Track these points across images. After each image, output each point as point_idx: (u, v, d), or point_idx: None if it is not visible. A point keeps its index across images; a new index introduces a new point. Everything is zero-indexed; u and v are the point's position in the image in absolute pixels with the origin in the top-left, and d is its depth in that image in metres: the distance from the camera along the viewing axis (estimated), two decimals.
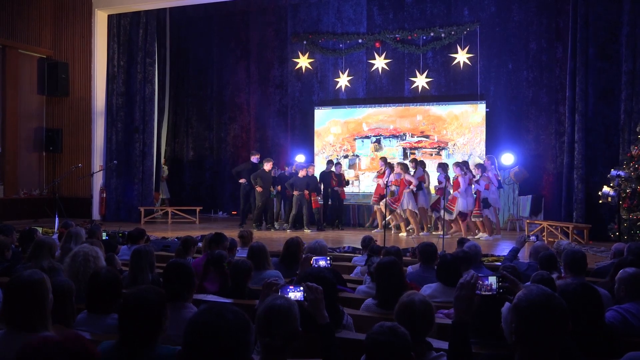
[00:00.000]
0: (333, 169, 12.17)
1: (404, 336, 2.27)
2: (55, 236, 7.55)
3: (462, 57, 12.74)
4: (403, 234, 10.94)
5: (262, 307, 2.28)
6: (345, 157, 13.69)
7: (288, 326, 2.23)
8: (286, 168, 12.52)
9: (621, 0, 10.28)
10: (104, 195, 13.72)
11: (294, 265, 5.01)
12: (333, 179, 12.06)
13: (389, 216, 10.95)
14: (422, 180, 11.09)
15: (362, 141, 13.64)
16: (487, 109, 12.54)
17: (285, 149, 14.34)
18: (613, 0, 10.43)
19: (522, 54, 12.41)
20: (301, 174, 11.59)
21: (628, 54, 10.12)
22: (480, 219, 10.44)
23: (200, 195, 15.33)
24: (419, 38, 13.10)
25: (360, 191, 13.29)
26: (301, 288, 2.79)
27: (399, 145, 13.28)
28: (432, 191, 11.30)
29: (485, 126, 12.54)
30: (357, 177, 13.53)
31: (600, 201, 9.68)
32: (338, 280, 4.40)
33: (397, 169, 10.91)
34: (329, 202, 12.26)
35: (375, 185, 11.70)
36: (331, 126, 13.87)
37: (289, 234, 10.82)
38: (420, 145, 13.14)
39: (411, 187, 10.71)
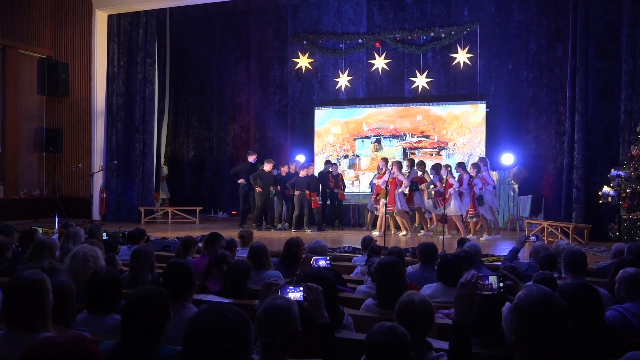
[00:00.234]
0: (330, 169, 12.19)
1: (404, 336, 2.27)
2: (56, 236, 7.56)
3: (462, 57, 12.74)
4: (403, 233, 10.94)
5: (262, 307, 2.28)
6: (346, 157, 13.69)
7: (288, 326, 2.23)
8: (282, 168, 12.28)
9: (621, 0, 10.28)
10: (104, 196, 13.72)
11: (294, 266, 5.01)
12: (330, 180, 12.07)
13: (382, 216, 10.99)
14: (417, 180, 11.10)
15: (362, 141, 13.64)
16: (487, 109, 12.54)
17: (285, 149, 14.35)
18: (613, 0, 10.42)
19: (522, 54, 12.41)
20: (302, 174, 11.60)
21: (628, 54, 10.12)
22: (475, 219, 10.45)
23: (200, 195, 15.34)
24: (419, 38, 13.10)
25: (360, 191, 13.29)
26: (301, 288, 2.79)
27: (399, 145, 13.28)
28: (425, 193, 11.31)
29: (485, 126, 12.54)
30: (357, 177, 13.53)
31: (600, 201, 9.67)
32: (338, 280, 4.40)
33: (391, 167, 10.89)
34: (328, 203, 12.28)
35: (375, 187, 11.66)
36: (331, 126, 13.87)
37: (292, 233, 10.81)
38: (420, 145, 13.14)
39: (402, 187, 10.70)
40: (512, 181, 11.95)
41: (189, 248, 5.77)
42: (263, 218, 12.01)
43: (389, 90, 13.66)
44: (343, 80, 13.80)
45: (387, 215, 10.39)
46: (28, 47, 13.62)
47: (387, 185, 10.48)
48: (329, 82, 14.07)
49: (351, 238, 10.30)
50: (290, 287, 2.86)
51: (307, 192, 11.47)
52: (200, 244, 6.43)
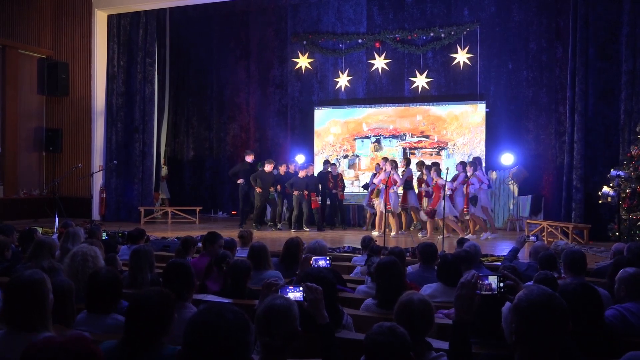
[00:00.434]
0: (330, 169, 12.19)
1: (403, 336, 2.27)
2: (55, 236, 7.56)
3: (462, 57, 12.74)
4: (392, 233, 10.94)
5: (262, 307, 2.28)
6: (345, 157, 13.69)
7: (287, 326, 2.23)
8: (281, 168, 12.20)
9: (621, 0, 10.27)
10: (104, 195, 13.72)
11: (294, 266, 5.01)
12: (330, 181, 12.08)
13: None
14: (410, 179, 11.11)
15: (362, 141, 13.64)
16: (487, 109, 12.54)
17: (285, 149, 14.34)
18: (613, 0, 10.42)
19: (522, 54, 12.41)
20: (301, 174, 11.60)
21: (628, 54, 10.12)
22: (468, 216, 10.48)
23: (200, 195, 15.34)
24: (418, 38, 13.10)
25: (360, 191, 13.27)
26: (301, 288, 2.79)
27: (399, 145, 13.28)
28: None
29: (485, 126, 12.54)
30: (357, 177, 13.53)
31: (600, 201, 9.67)
32: (338, 280, 4.40)
33: (386, 166, 10.89)
34: (327, 203, 12.28)
35: (374, 187, 11.66)
36: (331, 126, 13.87)
37: (292, 233, 10.81)
38: (420, 145, 13.13)
39: (395, 186, 10.71)
40: (512, 181, 11.95)
41: (188, 248, 5.77)
42: (263, 218, 12.02)
43: (389, 90, 13.66)
44: (343, 80, 13.80)
45: (386, 214, 10.40)
46: (28, 47, 13.61)
47: (385, 185, 10.49)
48: (329, 82, 14.07)
49: (351, 238, 10.30)
50: (290, 287, 2.86)
51: (306, 192, 11.48)
52: (200, 244, 6.43)
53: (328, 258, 4.23)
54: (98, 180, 13.72)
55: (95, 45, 13.66)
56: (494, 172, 12.18)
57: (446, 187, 10.00)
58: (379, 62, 13.50)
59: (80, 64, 13.82)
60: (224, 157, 15.28)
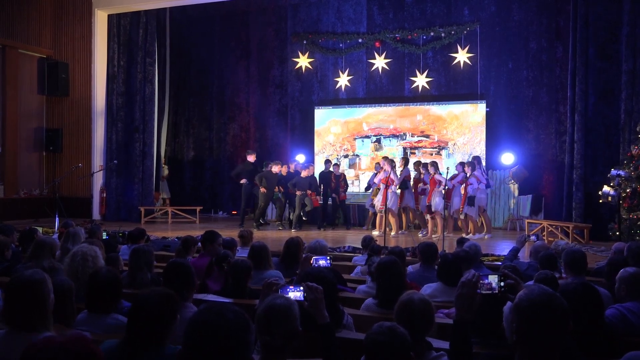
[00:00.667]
0: (332, 169, 12.20)
1: (403, 336, 2.27)
2: (56, 236, 7.56)
3: (462, 56, 12.73)
4: (392, 233, 10.94)
5: (262, 307, 2.29)
6: (346, 156, 13.69)
7: (288, 325, 2.23)
8: (283, 168, 12.20)
9: (621, 0, 10.27)
10: (104, 195, 13.72)
11: (294, 265, 5.01)
12: (332, 181, 12.09)
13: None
14: (408, 179, 11.11)
15: (362, 141, 13.63)
16: (487, 109, 12.53)
17: (285, 148, 14.34)
18: (613, 0, 10.41)
19: (522, 54, 12.41)
20: (304, 174, 11.58)
21: (628, 54, 10.11)
22: (462, 216, 10.48)
23: (200, 195, 15.34)
24: (419, 38, 13.09)
25: (360, 191, 13.27)
26: (301, 288, 2.79)
27: (399, 145, 13.27)
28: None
29: (485, 126, 12.53)
30: (357, 177, 13.53)
31: (601, 201, 9.67)
32: (338, 280, 4.40)
33: (385, 165, 10.88)
34: (329, 202, 12.28)
35: (375, 186, 11.67)
36: (331, 126, 13.87)
37: (292, 233, 10.80)
38: (420, 145, 13.13)
39: (393, 186, 10.70)
40: (512, 180, 11.95)
41: (189, 248, 5.77)
42: (264, 219, 12.01)
43: (389, 90, 13.66)
44: (343, 80, 13.80)
45: (386, 214, 10.40)
46: (28, 47, 13.62)
47: (385, 185, 10.50)
48: (329, 82, 14.07)
49: (352, 238, 10.29)
50: (291, 287, 2.86)
51: (309, 192, 11.48)
52: (200, 244, 6.43)
53: (328, 258, 4.23)
54: (98, 180, 13.72)
55: (96, 45, 13.66)
56: (495, 172, 12.17)
57: (443, 183, 9.99)
58: (379, 62, 13.50)
59: (81, 64, 13.82)
60: (224, 157, 15.28)
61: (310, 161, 13.35)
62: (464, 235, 10.11)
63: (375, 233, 10.62)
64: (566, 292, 2.73)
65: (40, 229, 7.73)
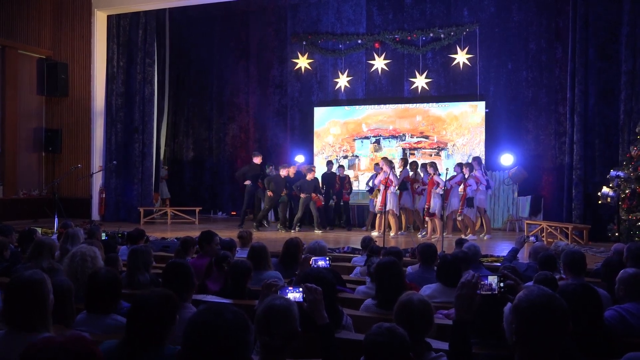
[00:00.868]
0: (335, 170, 12.19)
1: (403, 337, 2.27)
2: (55, 236, 7.55)
3: (461, 57, 12.74)
4: (392, 234, 10.93)
5: (262, 307, 2.29)
6: (345, 157, 13.68)
7: (287, 326, 2.23)
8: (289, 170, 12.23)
9: (621, 0, 10.26)
10: (104, 196, 13.72)
11: (294, 266, 5.01)
12: (337, 182, 12.09)
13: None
14: (407, 180, 11.12)
15: (362, 142, 13.64)
16: (487, 110, 12.54)
17: (285, 149, 14.34)
18: (613, 0, 10.41)
19: (522, 54, 12.42)
20: (309, 177, 11.53)
21: (628, 54, 10.11)
22: (460, 217, 10.48)
23: (199, 195, 15.33)
24: (418, 39, 13.10)
25: (360, 190, 13.25)
26: (300, 289, 2.79)
27: (399, 145, 13.28)
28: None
29: (484, 127, 12.54)
30: (356, 178, 13.52)
31: (600, 202, 9.67)
32: (337, 281, 4.40)
33: (384, 166, 10.88)
34: (331, 204, 12.27)
35: (376, 188, 11.67)
36: (331, 127, 13.87)
37: (294, 234, 10.78)
38: (419, 145, 13.14)
39: (392, 187, 10.70)
40: (511, 181, 11.95)
41: (188, 248, 5.76)
42: (265, 221, 11.95)
43: (389, 91, 13.67)
44: (342, 81, 13.80)
45: (383, 215, 10.41)
46: (27, 47, 13.61)
47: (386, 186, 10.50)
48: (329, 83, 14.07)
49: (354, 239, 10.28)
50: (290, 288, 2.86)
51: (314, 194, 11.46)
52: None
53: (327, 258, 4.23)
54: (97, 180, 13.72)
55: (95, 45, 13.66)
56: (494, 173, 12.17)
57: (441, 185, 9.99)
58: (379, 63, 13.50)
59: (80, 65, 13.82)
60: (223, 157, 15.28)
61: (310, 162, 13.34)
62: (462, 236, 10.11)
63: (374, 234, 10.62)
64: (565, 293, 2.73)
65: (39, 230, 7.73)
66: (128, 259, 4.41)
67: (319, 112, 13.97)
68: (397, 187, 10.86)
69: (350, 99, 13.90)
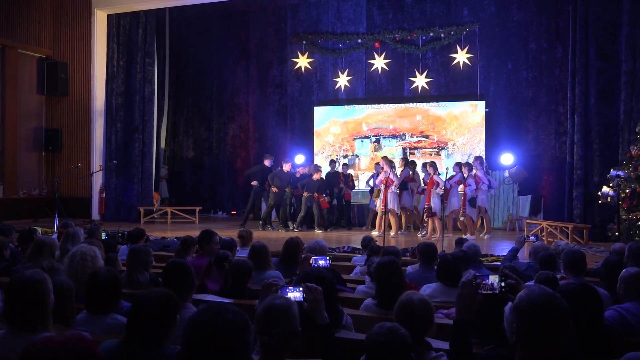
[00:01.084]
0: (339, 169, 12.26)
1: (404, 337, 2.27)
2: (55, 236, 7.55)
3: (461, 57, 12.74)
4: (392, 233, 10.94)
5: (261, 307, 2.29)
6: (345, 157, 13.68)
7: (287, 325, 2.23)
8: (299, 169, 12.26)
9: (621, 0, 10.27)
10: (104, 195, 13.71)
11: (294, 265, 5.01)
12: (341, 179, 12.09)
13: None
14: (408, 180, 11.11)
15: (362, 141, 13.64)
16: (487, 109, 12.55)
17: (285, 149, 14.32)
18: (613, 0, 10.41)
19: (522, 54, 12.42)
20: (316, 177, 11.48)
21: (628, 54, 10.11)
22: (462, 218, 10.48)
23: (199, 195, 15.33)
24: (418, 38, 13.10)
25: (361, 189, 13.25)
26: (300, 288, 2.79)
27: (399, 145, 13.28)
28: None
29: (484, 126, 12.54)
30: (356, 177, 13.52)
31: (600, 201, 9.67)
32: (337, 280, 4.40)
33: (384, 166, 10.87)
34: (334, 203, 12.27)
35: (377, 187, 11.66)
36: (331, 126, 13.87)
37: (297, 234, 10.76)
38: (419, 145, 13.14)
39: (393, 186, 10.70)
40: (510, 180, 11.94)
41: (188, 248, 5.76)
42: (269, 221, 11.92)
43: (389, 90, 13.67)
44: (342, 80, 13.80)
45: (384, 215, 10.40)
46: (27, 47, 13.61)
47: (385, 185, 10.50)
48: (329, 82, 14.07)
49: (356, 238, 10.27)
50: (290, 287, 2.86)
51: (316, 194, 11.45)
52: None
53: (328, 258, 4.23)
54: (98, 180, 13.72)
55: (95, 45, 13.65)
56: (495, 172, 12.16)
57: (440, 185, 9.98)
58: (379, 62, 13.51)
59: (80, 64, 13.81)
60: (223, 157, 15.28)
61: (310, 161, 13.34)
62: (463, 235, 10.11)
63: (374, 233, 10.62)
64: (565, 292, 2.73)
65: (39, 229, 7.70)
66: (127, 259, 4.42)
67: (319, 112, 13.97)
68: (397, 187, 10.86)
69: (350, 98, 13.90)
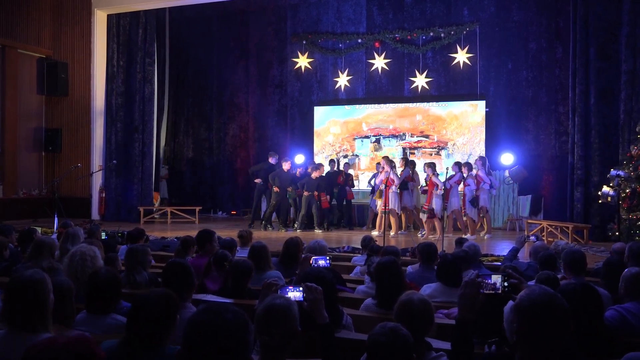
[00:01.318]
0: (342, 168, 12.27)
1: (406, 337, 2.26)
2: (55, 236, 7.54)
3: (461, 57, 12.74)
4: (392, 233, 10.95)
5: (261, 307, 2.28)
6: (345, 157, 13.68)
7: (287, 325, 2.23)
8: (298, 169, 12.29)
9: (621, 0, 10.27)
10: (104, 195, 13.71)
11: (294, 265, 5.00)
12: (342, 177, 12.10)
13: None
14: (408, 180, 11.11)
15: (362, 141, 13.64)
16: (487, 109, 12.55)
17: (285, 148, 14.31)
18: (613, 0, 10.41)
19: (522, 54, 12.42)
20: (315, 175, 11.48)
21: (628, 54, 10.11)
22: (465, 217, 10.49)
23: (199, 195, 15.33)
24: (418, 38, 13.10)
25: (361, 191, 13.25)
26: (300, 288, 2.79)
27: (399, 145, 13.28)
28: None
29: (485, 126, 12.54)
30: (356, 177, 13.52)
31: (600, 201, 9.66)
32: (337, 280, 4.40)
33: (385, 166, 10.87)
34: (334, 202, 12.27)
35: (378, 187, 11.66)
36: (331, 126, 13.87)
37: (298, 234, 10.75)
38: (420, 145, 13.14)
39: (394, 186, 10.70)
40: (510, 180, 11.94)
41: (188, 248, 5.76)
42: (271, 220, 11.92)
43: (389, 90, 13.67)
44: (342, 80, 13.80)
45: (384, 215, 10.40)
46: (27, 47, 13.60)
47: (385, 185, 10.50)
48: (329, 82, 14.07)
49: (356, 238, 10.27)
50: (290, 287, 2.86)
51: (316, 193, 11.43)
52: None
53: (328, 258, 4.22)
54: (97, 180, 13.72)
55: (95, 45, 13.65)
56: (495, 172, 12.16)
57: (440, 186, 9.98)
58: (379, 62, 13.51)
59: (80, 64, 13.81)
60: (223, 157, 15.28)
61: (310, 161, 13.33)
62: (463, 235, 10.11)
63: (374, 233, 10.62)
64: (566, 292, 2.72)
65: (39, 229, 7.71)
66: (125, 259, 4.42)
67: (319, 112, 13.96)
68: (397, 187, 10.86)
69: (350, 98, 13.90)
